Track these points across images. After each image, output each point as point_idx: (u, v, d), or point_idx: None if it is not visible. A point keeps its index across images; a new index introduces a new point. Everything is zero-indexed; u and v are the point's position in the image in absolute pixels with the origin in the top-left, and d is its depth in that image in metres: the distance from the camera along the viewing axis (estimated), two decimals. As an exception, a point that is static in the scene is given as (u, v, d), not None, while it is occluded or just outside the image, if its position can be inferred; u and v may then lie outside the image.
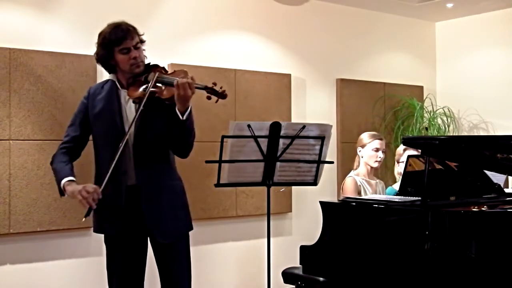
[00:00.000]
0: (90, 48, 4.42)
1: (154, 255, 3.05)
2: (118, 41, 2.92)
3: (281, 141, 3.11)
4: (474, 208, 2.88)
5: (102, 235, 3.12)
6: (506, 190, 3.53)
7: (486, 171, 3.43)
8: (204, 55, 4.97)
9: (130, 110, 2.95)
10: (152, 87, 2.87)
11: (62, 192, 2.93)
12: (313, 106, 5.62)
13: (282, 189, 5.13)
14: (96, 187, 2.81)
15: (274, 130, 3.09)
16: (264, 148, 3.10)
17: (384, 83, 6.10)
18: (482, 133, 6.18)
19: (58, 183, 2.93)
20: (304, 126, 3.11)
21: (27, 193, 4.10)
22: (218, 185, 3.26)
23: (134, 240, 3.01)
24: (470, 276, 2.74)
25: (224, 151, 3.20)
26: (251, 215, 5.06)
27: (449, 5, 5.96)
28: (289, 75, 5.41)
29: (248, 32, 5.28)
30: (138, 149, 2.91)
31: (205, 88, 2.91)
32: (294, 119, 5.37)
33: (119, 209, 2.93)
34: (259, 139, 3.07)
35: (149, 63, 3.03)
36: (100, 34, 3.02)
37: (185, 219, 3.06)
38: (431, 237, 2.79)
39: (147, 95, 2.84)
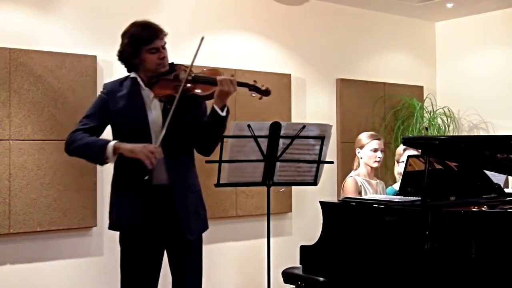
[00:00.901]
0: (90, 48, 4.45)
1: (171, 252, 3.03)
2: (148, 40, 2.93)
3: (281, 141, 3.11)
4: (474, 208, 2.88)
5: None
6: (506, 190, 3.53)
7: (486, 171, 3.43)
8: (204, 55, 4.92)
9: (155, 109, 2.95)
10: (185, 85, 2.89)
11: (103, 160, 2.86)
12: (313, 106, 5.62)
13: (282, 189, 5.12)
14: (157, 146, 2.80)
15: (274, 130, 3.09)
16: (264, 148, 3.10)
17: (384, 83, 6.10)
18: (482, 133, 6.18)
19: (102, 148, 2.84)
20: (304, 126, 3.11)
21: (27, 193, 4.10)
22: (218, 185, 3.26)
23: (155, 240, 2.98)
24: (470, 276, 2.74)
25: (224, 151, 3.20)
26: (251, 215, 5.06)
27: (449, 5, 5.96)
28: (289, 75, 5.41)
29: (248, 32, 5.28)
30: (168, 148, 2.90)
31: (247, 85, 2.98)
32: (294, 119, 5.37)
33: (143, 209, 2.90)
34: (259, 139, 3.07)
35: (172, 62, 3.05)
36: (126, 32, 3.00)
37: (205, 217, 3.09)
38: (431, 237, 2.79)
39: (179, 93, 2.85)
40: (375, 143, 4.19)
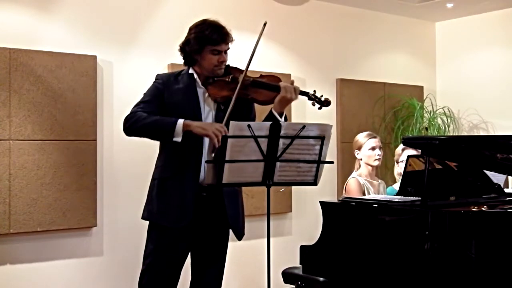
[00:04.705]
0: (90, 48, 4.45)
1: (199, 249, 3.08)
2: (216, 42, 2.97)
3: (281, 141, 3.10)
4: (474, 208, 2.88)
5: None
6: (506, 190, 3.53)
7: (486, 171, 3.43)
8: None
9: (209, 107, 3.01)
10: (242, 89, 2.94)
11: (171, 135, 2.84)
12: (313, 106, 5.61)
13: (282, 189, 5.12)
14: (222, 124, 2.83)
15: (274, 130, 3.08)
16: (264, 148, 3.09)
17: (384, 83, 6.10)
18: (482, 133, 6.18)
19: (172, 124, 2.84)
20: (304, 126, 3.10)
21: (27, 193, 4.10)
22: (218, 185, 3.26)
23: (191, 236, 3.03)
24: (470, 276, 2.74)
25: (224, 151, 3.20)
26: (251, 215, 5.04)
27: (449, 5, 5.96)
28: (289, 75, 5.41)
29: (248, 32, 5.27)
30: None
31: (308, 94, 3.09)
32: (294, 119, 5.37)
33: (191, 205, 2.95)
34: (259, 139, 3.06)
35: (228, 64, 3.08)
36: (195, 27, 3.03)
37: (243, 218, 3.22)
38: (431, 237, 2.79)
39: (235, 96, 2.90)
40: (372, 142, 4.20)
